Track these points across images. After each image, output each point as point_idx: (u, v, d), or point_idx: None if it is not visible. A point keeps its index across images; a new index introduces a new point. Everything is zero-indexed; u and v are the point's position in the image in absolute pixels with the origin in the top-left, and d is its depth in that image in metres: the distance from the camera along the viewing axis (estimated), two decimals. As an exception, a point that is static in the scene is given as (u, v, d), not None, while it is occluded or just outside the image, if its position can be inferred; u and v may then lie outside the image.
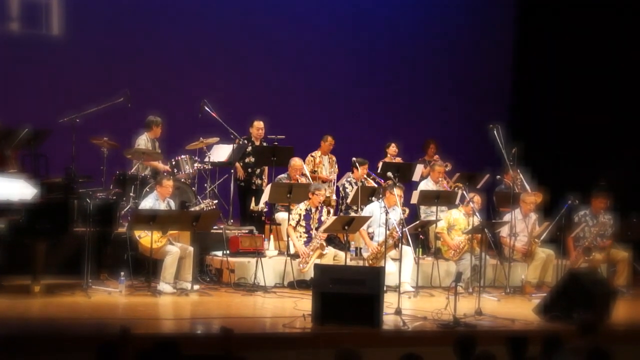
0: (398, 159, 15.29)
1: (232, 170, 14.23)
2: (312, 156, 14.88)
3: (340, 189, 14.54)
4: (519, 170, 14.37)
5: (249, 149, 14.38)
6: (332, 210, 13.66)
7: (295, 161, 13.85)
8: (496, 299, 12.54)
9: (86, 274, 11.51)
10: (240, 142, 14.19)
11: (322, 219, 12.85)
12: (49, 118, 13.50)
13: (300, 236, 12.86)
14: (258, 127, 14.49)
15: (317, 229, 12.77)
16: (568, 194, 13.25)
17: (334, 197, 14.50)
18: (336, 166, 15.01)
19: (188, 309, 11.31)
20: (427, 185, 14.46)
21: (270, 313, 11.29)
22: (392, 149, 15.40)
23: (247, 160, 14.43)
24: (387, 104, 17.85)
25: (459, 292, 10.97)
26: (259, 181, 14.53)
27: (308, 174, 14.18)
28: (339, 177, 14.92)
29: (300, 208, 12.95)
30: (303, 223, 12.89)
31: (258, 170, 14.53)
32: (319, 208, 12.98)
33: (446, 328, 10.12)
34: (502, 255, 13.64)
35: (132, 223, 11.89)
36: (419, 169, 14.94)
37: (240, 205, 14.56)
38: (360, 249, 13.35)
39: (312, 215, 12.92)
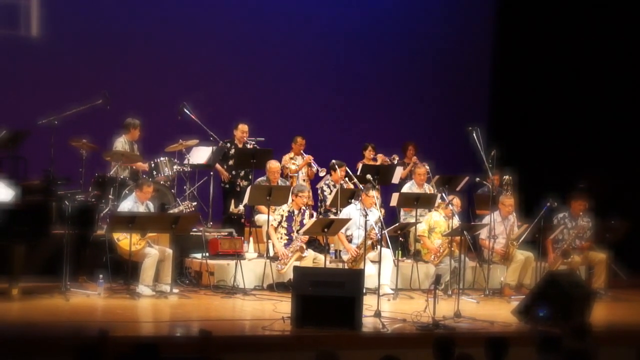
0: (381, 156, 15.24)
1: (212, 173, 14.21)
2: (289, 157, 14.84)
3: (319, 191, 14.50)
4: (509, 176, 14.44)
5: (232, 151, 14.34)
6: (315, 214, 13.62)
7: (272, 164, 13.73)
8: (475, 301, 12.55)
9: (65, 277, 11.46)
10: (222, 145, 14.17)
11: (305, 222, 12.80)
12: (28, 120, 13.45)
13: (281, 238, 12.82)
14: (243, 130, 14.43)
15: (298, 231, 12.75)
16: (547, 196, 13.28)
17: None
18: (316, 165, 14.88)
19: (167, 311, 11.27)
20: (411, 188, 14.36)
21: (249, 315, 11.29)
22: (369, 151, 15.37)
23: (230, 162, 14.38)
24: (366, 106, 17.81)
25: (438, 295, 10.97)
26: (244, 183, 14.40)
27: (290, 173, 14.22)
28: (318, 179, 14.87)
29: (283, 209, 12.90)
30: (285, 224, 12.86)
31: (242, 172, 14.46)
32: (302, 210, 12.95)
33: (425, 330, 10.12)
34: (482, 258, 13.66)
35: (110, 225, 11.86)
36: (399, 171, 14.89)
37: (224, 207, 14.54)
38: (340, 251, 13.33)
39: (294, 218, 12.88)
